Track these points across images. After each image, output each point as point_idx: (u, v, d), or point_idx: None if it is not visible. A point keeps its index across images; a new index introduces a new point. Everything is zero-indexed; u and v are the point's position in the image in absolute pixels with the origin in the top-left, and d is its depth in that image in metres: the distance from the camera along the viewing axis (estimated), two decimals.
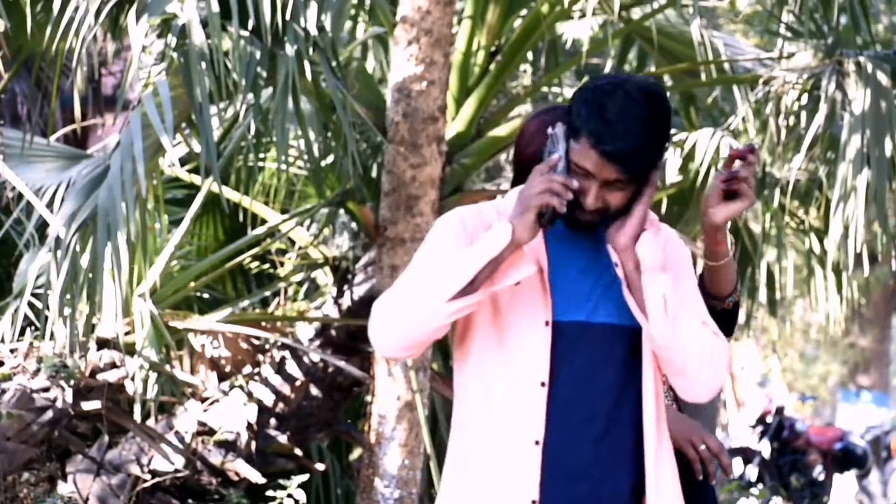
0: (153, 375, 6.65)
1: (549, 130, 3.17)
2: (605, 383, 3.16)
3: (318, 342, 7.13)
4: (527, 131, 3.58)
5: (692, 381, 3.17)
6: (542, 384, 3.14)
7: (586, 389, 3.15)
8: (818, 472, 15.89)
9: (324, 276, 7.94)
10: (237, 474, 6.77)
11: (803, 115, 7.81)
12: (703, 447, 3.49)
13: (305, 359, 7.08)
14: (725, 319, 3.54)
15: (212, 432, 6.81)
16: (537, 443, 3.13)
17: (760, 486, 15.12)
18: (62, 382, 6.29)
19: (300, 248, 7.91)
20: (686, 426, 3.50)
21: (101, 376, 6.56)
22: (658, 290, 3.12)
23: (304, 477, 6.57)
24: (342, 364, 6.87)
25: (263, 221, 7.79)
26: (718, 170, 3.40)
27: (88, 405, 6.44)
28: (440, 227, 3.25)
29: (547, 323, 3.15)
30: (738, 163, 3.36)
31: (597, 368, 3.16)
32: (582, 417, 3.15)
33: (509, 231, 3.08)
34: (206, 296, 7.97)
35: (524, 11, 8.25)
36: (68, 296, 5.88)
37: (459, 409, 3.26)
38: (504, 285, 3.10)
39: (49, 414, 6.25)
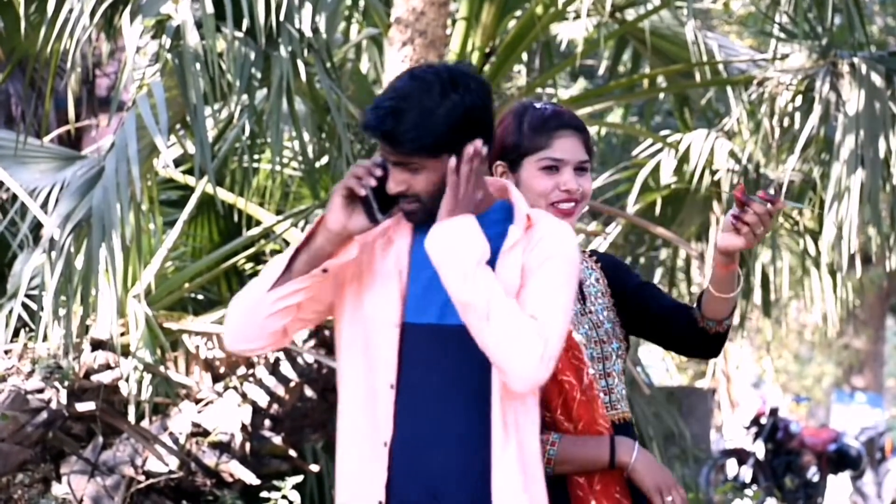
0: (147, 377, 6.65)
1: None
2: (458, 386, 3.16)
3: (312, 343, 7.13)
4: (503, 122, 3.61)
5: (505, 375, 3.11)
6: (391, 386, 3.16)
7: (436, 392, 3.16)
8: (812, 474, 15.90)
9: None
10: (231, 475, 6.77)
11: (797, 116, 7.83)
12: (669, 498, 3.47)
13: (300, 360, 7.08)
14: (717, 340, 3.59)
15: (206, 433, 6.80)
16: (385, 444, 3.16)
17: (755, 487, 15.12)
18: (56, 384, 6.28)
19: None
20: (659, 474, 3.49)
21: (95, 377, 6.55)
22: (449, 285, 3.09)
23: (299, 478, 6.56)
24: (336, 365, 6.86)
25: (258, 223, 7.79)
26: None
27: (83, 406, 6.43)
28: None
29: (397, 325, 3.17)
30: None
31: (448, 371, 3.16)
32: (432, 421, 3.15)
33: (317, 219, 3.18)
34: (200, 297, 7.96)
35: (519, 12, 8.25)
36: (63, 297, 5.88)
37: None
38: (314, 272, 3.16)
39: (43, 415, 6.24)
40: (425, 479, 3.14)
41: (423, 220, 3.17)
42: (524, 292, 3.12)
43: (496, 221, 3.21)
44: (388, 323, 3.16)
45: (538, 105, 3.56)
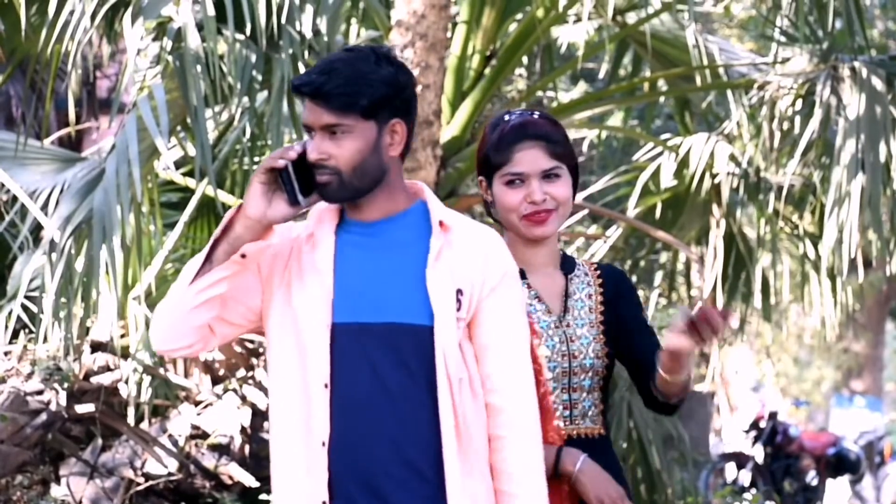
0: (147, 379, 6.65)
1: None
2: (393, 383, 3.15)
3: None
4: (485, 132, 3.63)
5: None
6: (326, 386, 3.15)
7: (371, 390, 3.15)
8: (811, 478, 15.90)
9: None
10: (231, 478, 6.77)
11: (798, 119, 7.83)
12: None
13: None
14: (668, 408, 3.57)
15: (205, 436, 6.81)
16: (324, 444, 3.15)
17: (753, 491, 15.13)
18: (56, 385, 6.29)
19: None
20: (603, 486, 3.47)
21: (94, 379, 6.55)
22: None
23: None
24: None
25: None
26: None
27: (82, 408, 6.43)
28: None
29: (328, 325, 3.17)
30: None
31: (382, 368, 3.15)
32: (369, 418, 3.15)
33: (236, 206, 3.18)
34: None
35: (519, 15, 8.25)
36: (63, 298, 5.88)
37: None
38: (234, 257, 3.17)
39: (43, 417, 6.25)
40: (367, 477, 3.14)
41: (336, 195, 3.17)
42: (487, 338, 3.20)
43: (415, 222, 3.24)
44: (318, 323, 3.16)
45: (507, 117, 3.57)
